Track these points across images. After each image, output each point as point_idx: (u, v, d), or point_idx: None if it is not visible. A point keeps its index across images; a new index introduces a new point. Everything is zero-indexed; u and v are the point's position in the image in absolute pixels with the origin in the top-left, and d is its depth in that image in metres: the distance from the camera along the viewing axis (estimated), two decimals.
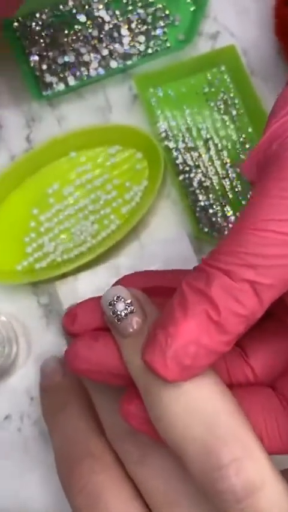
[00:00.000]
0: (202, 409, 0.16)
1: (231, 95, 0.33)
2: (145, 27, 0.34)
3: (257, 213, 0.16)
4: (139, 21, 0.34)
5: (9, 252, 0.31)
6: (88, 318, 0.19)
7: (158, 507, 0.20)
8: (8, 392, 0.30)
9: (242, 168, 0.19)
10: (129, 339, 0.18)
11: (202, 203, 0.31)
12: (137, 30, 0.34)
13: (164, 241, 0.31)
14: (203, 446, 0.16)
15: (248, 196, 0.32)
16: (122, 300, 0.18)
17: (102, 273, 0.30)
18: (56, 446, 0.25)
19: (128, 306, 0.18)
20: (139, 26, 0.34)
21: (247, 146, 0.32)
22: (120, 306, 0.18)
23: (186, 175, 0.32)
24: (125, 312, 0.18)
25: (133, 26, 0.34)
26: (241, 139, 0.32)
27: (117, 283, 0.22)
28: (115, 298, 0.18)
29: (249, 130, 0.33)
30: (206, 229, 0.31)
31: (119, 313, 0.18)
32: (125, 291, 0.19)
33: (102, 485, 0.21)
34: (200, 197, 0.32)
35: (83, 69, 0.33)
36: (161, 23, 0.34)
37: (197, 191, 0.32)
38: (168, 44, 0.34)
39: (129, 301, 0.18)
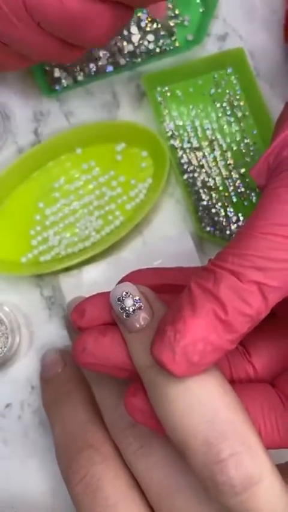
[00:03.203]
0: (205, 405, 0.17)
1: (237, 96, 0.34)
2: (154, 26, 0.34)
3: (267, 218, 0.17)
4: (149, 20, 0.34)
5: (14, 244, 0.32)
6: (96, 313, 0.20)
7: (156, 498, 0.21)
8: (10, 381, 0.31)
9: (252, 172, 0.20)
10: (136, 335, 0.19)
11: (205, 202, 0.32)
12: (146, 29, 0.34)
13: (167, 238, 0.32)
14: (204, 440, 0.16)
15: (250, 197, 0.32)
16: (130, 296, 0.19)
17: (105, 268, 0.31)
18: (56, 436, 0.25)
19: (136, 302, 0.19)
20: (149, 25, 0.34)
21: (251, 148, 0.33)
22: (128, 302, 0.19)
23: (190, 175, 0.32)
24: (133, 308, 0.19)
25: (143, 24, 0.34)
26: (245, 141, 0.33)
27: (124, 279, 0.22)
28: (124, 294, 0.19)
29: (254, 132, 0.33)
30: (208, 228, 0.32)
31: (127, 309, 0.19)
32: (133, 287, 0.19)
33: (102, 476, 0.22)
34: (203, 197, 0.32)
35: (91, 65, 0.34)
36: (171, 23, 0.34)
37: (201, 191, 0.32)
38: (177, 44, 0.34)
39: (137, 297, 0.19)
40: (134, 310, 0.19)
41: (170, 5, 0.34)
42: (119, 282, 0.22)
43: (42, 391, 0.29)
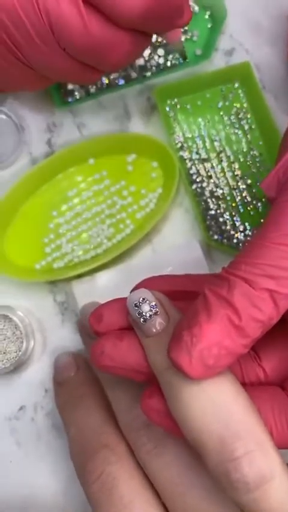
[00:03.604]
0: (220, 406, 0.18)
1: (244, 109, 0.35)
2: (164, 40, 0.35)
3: (279, 229, 0.18)
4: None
5: (29, 251, 0.33)
6: (113, 318, 0.21)
7: (169, 497, 0.22)
8: (24, 384, 0.32)
9: (262, 185, 0.21)
10: (152, 339, 0.20)
11: (213, 212, 0.33)
12: (156, 44, 0.35)
13: (176, 246, 0.33)
14: (219, 439, 0.17)
15: (257, 207, 0.33)
16: (147, 302, 0.20)
17: (116, 274, 0.32)
18: (71, 438, 0.26)
19: (153, 308, 0.20)
20: (159, 40, 0.35)
21: (257, 159, 0.34)
22: (145, 308, 0.20)
23: (199, 185, 0.34)
24: (150, 313, 0.20)
25: (153, 39, 0.35)
26: (252, 152, 0.34)
27: (138, 286, 0.23)
28: (140, 299, 0.20)
29: (260, 143, 0.34)
30: (216, 237, 0.33)
31: (144, 314, 0.20)
32: (150, 293, 0.20)
33: (117, 475, 0.23)
34: (211, 206, 0.33)
35: (103, 78, 0.35)
36: (182, 38, 0.35)
37: (209, 200, 0.33)
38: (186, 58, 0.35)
39: (153, 303, 0.20)
40: (150, 316, 0.20)
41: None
42: (133, 289, 0.23)
43: (56, 394, 0.30)
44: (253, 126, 0.34)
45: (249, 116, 0.35)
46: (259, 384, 0.22)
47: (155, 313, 0.20)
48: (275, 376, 0.21)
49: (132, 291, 0.23)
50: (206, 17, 0.36)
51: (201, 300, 0.18)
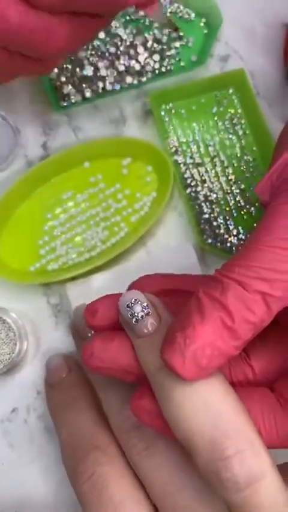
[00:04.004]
0: (210, 406, 0.18)
1: (238, 115, 0.35)
2: (160, 46, 0.36)
3: (272, 232, 0.18)
4: (155, 40, 0.36)
5: (23, 253, 0.33)
6: (107, 312, 0.21)
7: (160, 498, 0.22)
8: (17, 386, 0.32)
9: (256, 189, 0.21)
10: (144, 339, 0.20)
11: (207, 216, 0.34)
12: (152, 49, 0.36)
13: (170, 250, 0.33)
14: (210, 439, 0.18)
15: (250, 211, 0.34)
16: (139, 302, 0.20)
17: (110, 277, 0.32)
18: (62, 439, 0.26)
19: (145, 309, 0.20)
20: (154, 46, 0.36)
21: (251, 164, 0.34)
22: (137, 308, 0.20)
23: (193, 189, 0.34)
24: (142, 313, 0.20)
25: (149, 45, 0.36)
26: (246, 157, 0.35)
27: (135, 283, 0.23)
28: (133, 300, 0.20)
29: (254, 149, 0.35)
30: (209, 241, 0.33)
31: (136, 314, 0.20)
32: (142, 295, 0.20)
33: (108, 475, 0.23)
34: (205, 210, 0.34)
35: (99, 83, 0.35)
36: (176, 44, 0.36)
37: (203, 204, 0.34)
38: (181, 64, 0.36)
39: (145, 304, 0.20)
40: (142, 316, 0.20)
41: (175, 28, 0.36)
42: (129, 287, 0.24)
43: (47, 396, 0.30)
44: (247, 132, 0.35)
45: (243, 122, 0.35)
46: (247, 384, 0.22)
47: (147, 314, 0.20)
48: (263, 375, 0.22)
49: (128, 288, 0.24)
50: (202, 24, 0.36)
51: (194, 301, 0.18)
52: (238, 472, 0.17)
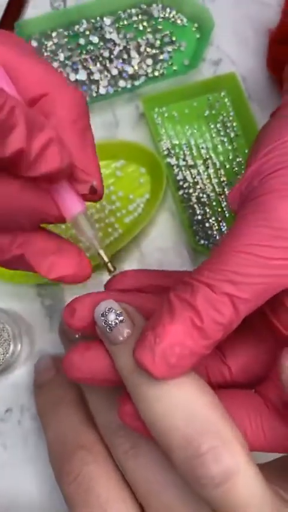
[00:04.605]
0: (182, 406, 0.18)
1: (230, 118, 0.36)
2: (153, 51, 0.36)
3: (240, 238, 0.19)
4: (148, 45, 0.36)
5: None
6: (85, 312, 0.21)
7: (145, 496, 0.22)
8: (10, 387, 0.32)
9: (229, 198, 0.22)
10: (119, 346, 0.20)
11: (199, 217, 0.34)
12: (145, 54, 0.36)
13: (163, 250, 0.34)
14: (184, 438, 0.18)
15: None
16: (113, 311, 0.20)
17: (105, 278, 0.33)
18: (50, 439, 0.26)
19: (118, 316, 0.20)
20: (147, 50, 0.36)
21: (243, 166, 0.35)
22: (111, 317, 0.20)
23: (186, 191, 0.34)
24: (116, 321, 0.20)
25: (142, 49, 0.36)
26: (238, 159, 0.35)
27: (121, 275, 0.24)
28: (106, 309, 0.21)
29: (246, 151, 0.35)
30: (202, 242, 0.34)
31: (110, 322, 0.20)
32: (115, 303, 0.21)
33: (93, 476, 0.23)
34: (198, 211, 0.34)
35: (93, 86, 0.36)
36: (168, 48, 0.36)
37: (195, 206, 0.34)
38: (174, 68, 0.36)
39: (119, 311, 0.20)
40: (115, 323, 0.20)
41: (167, 32, 0.37)
42: (105, 285, 0.24)
43: (36, 396, 0.30)
44: (239, 133, 0.35)
45: (235, 124, 0.35)
46: (224, 383, 0.22)
47: (121, 322, 0.20)
48: (240, 375, 0.22)
49: (105, 288, 0.24)
50: (194, 28, 0.37)
51: (165, 303, 0.19)
52: (213, 468, 0.17)
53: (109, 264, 0.22)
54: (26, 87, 0.19)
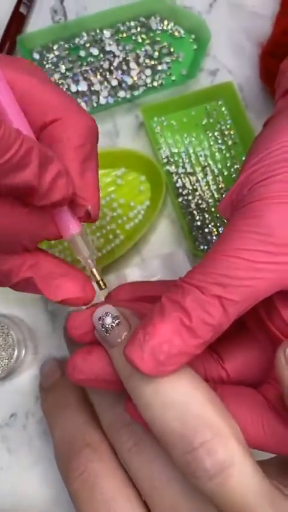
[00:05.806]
0: (176, 403, 0.19)
1: (228, 126, 0.37)
2: (152, 62, 0.37)
3: (229, 243, 0.19)
4: (146, 56, 0.37)
5: None
6: (87, 323, 0.22)
7: (149, 493, 0.23)
8: (15, 392, 0.33)
9: (220, 206, 0.23)
10: (117, 348, 0.21)
11: (199, 223, 0.35)
12: (144, 65, 0.37)
13: (163, 256, 0.34)
14: (179, 435, 0.18)
15: None
16: (110, 314, 0.21)
17: (106, 283, 0.33)
18: (56, 439, 0.27)
19: (115, 319, 0.21)
20: (146, 61, 0.37)
21: None
22: (108, 320, 0.21)
23: (185, 198, 0.35)
24: (112, 324, 0.21)
25: (141, 60, 0.37)
26: (235, 166, 0.36)
27: (118, 290, 0.25)
28: (103, 313, 0.21)
29: (243, 158, 0.36)
30: (201, 247, 0.34)
31: (107, 325, 0.21)
32: (112, 307, 0.22)
33: (99, 473, 0.23)
34: (197, 218, 0.35)
35: (94, 97, 0.37)
36: (166, 59, 0.37)
37: (194, 212, 0.35)
38: (172, 78, 0.37)
39: (115, 315, 0.21)
40: (112, 326, 0.21)
41: (165, 43, 0.38)
42: (106, 297, 0.25)
43: (42, 399, 0.31)
44: (236, 141, 0.36)
45: (232, 132, 0.36)
46: (222, 383, 0.23)
47: (117, 324, 0.21)
48: (236, 377, 0.23)
49: (106, 299, 0.25)
50: (191, 40, 0.38)
51: (157, 305, 0.20)
52: (206, 461, 0.18)
53: (101, 282, 0.23)
54: (42, 112, 0.21)
